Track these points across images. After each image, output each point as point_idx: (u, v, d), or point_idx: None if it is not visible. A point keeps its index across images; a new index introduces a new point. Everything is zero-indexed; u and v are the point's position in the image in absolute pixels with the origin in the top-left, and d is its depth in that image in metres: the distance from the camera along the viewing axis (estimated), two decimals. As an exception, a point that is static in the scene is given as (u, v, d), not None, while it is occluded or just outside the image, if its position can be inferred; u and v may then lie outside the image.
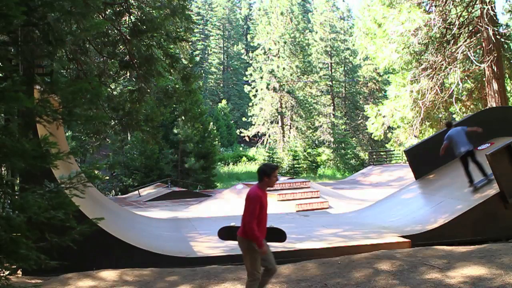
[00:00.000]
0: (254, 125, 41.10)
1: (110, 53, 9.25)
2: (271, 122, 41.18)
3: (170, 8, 9.42)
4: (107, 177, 24.60)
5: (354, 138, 42.74)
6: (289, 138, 40.07)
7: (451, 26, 16.68)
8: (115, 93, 10.90)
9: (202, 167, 27.64)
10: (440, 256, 5.79)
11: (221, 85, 59.72)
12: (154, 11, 9.50)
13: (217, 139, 34.57)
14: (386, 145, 30.24)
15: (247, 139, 43.68)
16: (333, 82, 43.70)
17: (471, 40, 16.66)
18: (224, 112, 51.13)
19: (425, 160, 10.01)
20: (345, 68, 44.54)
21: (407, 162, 11.36)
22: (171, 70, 10.08)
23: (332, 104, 43.23)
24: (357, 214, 10.35)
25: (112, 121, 10.10)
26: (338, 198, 15.66)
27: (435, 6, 16.25)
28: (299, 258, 6.28)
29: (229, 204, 14.35)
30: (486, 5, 15.18)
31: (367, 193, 17.63)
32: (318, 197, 14.49)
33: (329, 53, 43.86)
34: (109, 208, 8.86)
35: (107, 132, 11.18)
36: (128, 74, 9.97)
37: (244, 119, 44.62)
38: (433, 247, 6.40)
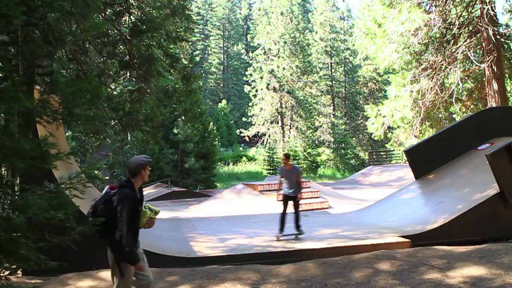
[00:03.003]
0: (254, 125, 41.11)
1: (110, 53, 9.24)
2: (271, 122, 41.19)
3: (170, 8, 9.41)
4: (107, 177, 24.59)
5: (354, 138, 42.77)
6: (289, 138, 40.08)
7: (451, 26, 16.68)
8: (115, 93, 10.90)
9: (202, 167, 27.64)
10: (440, 256, 5.79)
11: (221, 85, 59.74)
12: (154, 11, 9.49)
13: (217, 139, 34.59)
14: (386, 145, 30.25)
15: (247, 139, 43.69)
16: (333, 82, 43.72)
17: (471, 40, 16.66)
18: (224, 112, 51.15)
19: (425, 160, 10.01)
20: (345, 68, 44.57)
21: (407, 162, 11.35)
22: (171, 70, 10.07)
23: (332, 104, 43.25)
24: (357, 214, 10.35)
25: (112, 121, 10.09)
26: (338, 198, 15.67)
27: (435, 6, 16.26)
28: (299, 258, 6.28)
29: (229, 204, 14.36)
30: (486, 5, 15.18)
31: (367, 193, 17.62)
32: (318, 197, 14.49)
33: (329, 53, 43.88)
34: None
35: (107, 132, 11.17)
36: (128, 74, 9.96)
37: (244, 119, 44.64)
38: (433, 247, 6.40)
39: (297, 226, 7.58)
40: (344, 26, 46.57)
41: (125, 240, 3.46)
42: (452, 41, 16.99)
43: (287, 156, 7.67)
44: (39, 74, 5.96)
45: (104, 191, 3.65)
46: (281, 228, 7.48)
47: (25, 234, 3.12)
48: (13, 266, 3.33)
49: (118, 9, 9.14)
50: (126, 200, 3.52)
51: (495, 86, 15.90)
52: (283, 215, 7.53)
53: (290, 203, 7.61)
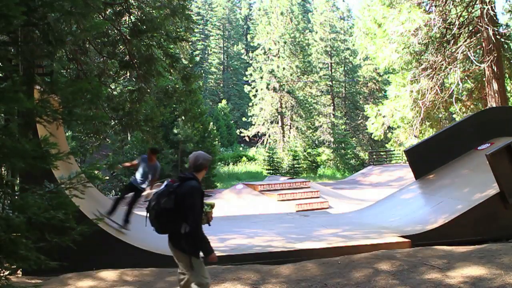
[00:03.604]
0: (254, 125, 41.08)
1: (110, 53, 9.24)
2: (271, 122, 41.16)
3: (170, 8, 9.41)
4: (107, 177, 24.58)
5: (354, 138, 42.74)
6: (289, 138, 40.06)
7: (451, 26, 16.68)
8: (115, 93, 10.91)
9: (202, 167, 27.62)
10: (440, 256, 5.79)
11: (221, 85, 59.71)
12: (154, 11, 9.49)
13: (217, 139, 34.53)
14: (386, 145, 30.25)
15: (247, 139, 43.66)
16: (333, 82, 43.70)
17: (471, 40, 16.67)
18: (224, 112, 51.11)
19: (425, 160, 10.00)
20: (345, 68, 44.55)
21: (407, 162, 11.35)
22: (171, 70, 10.08)
23: (332, 104, 43.23)
24: (357, 214, 10.35)
25: (112, 121, 10.10)
26: (338, 198, 15.67)
27: (435, 6, 16.26)
28: (299, 258, 6.27)
29: (229, 204, 14.35)
30: (486, 5, 15.18)
31: (367, 193, 17.63)
32: (318, 197, 14.50)
33: (329, 53, 43.86)
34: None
35: (107, 132, 11.18)
36: (128, 74, 9.97)
37: (244, 119, 44.60)
38: (433, 247, 6.39)
39: (126, 220, 7.15)
40: (344, 26, 46.53)
41: (199, 231, 3.46)
42: (452, 41, 16.99)
43: (155, 151, 7.41)
44: (39, 74, 5.96)
45: (164, 184, 3.63)
46: (112, 210, 7.09)
47: (25, 234, 3.12)
48: (13, 266, 3.33)
49: (118, 9, 9.15)
50: (197, 192, 3.51)
51: (495, 86, 15.90)
52: (118, 200, 7.27)
53: (131, 194, 7.38)
